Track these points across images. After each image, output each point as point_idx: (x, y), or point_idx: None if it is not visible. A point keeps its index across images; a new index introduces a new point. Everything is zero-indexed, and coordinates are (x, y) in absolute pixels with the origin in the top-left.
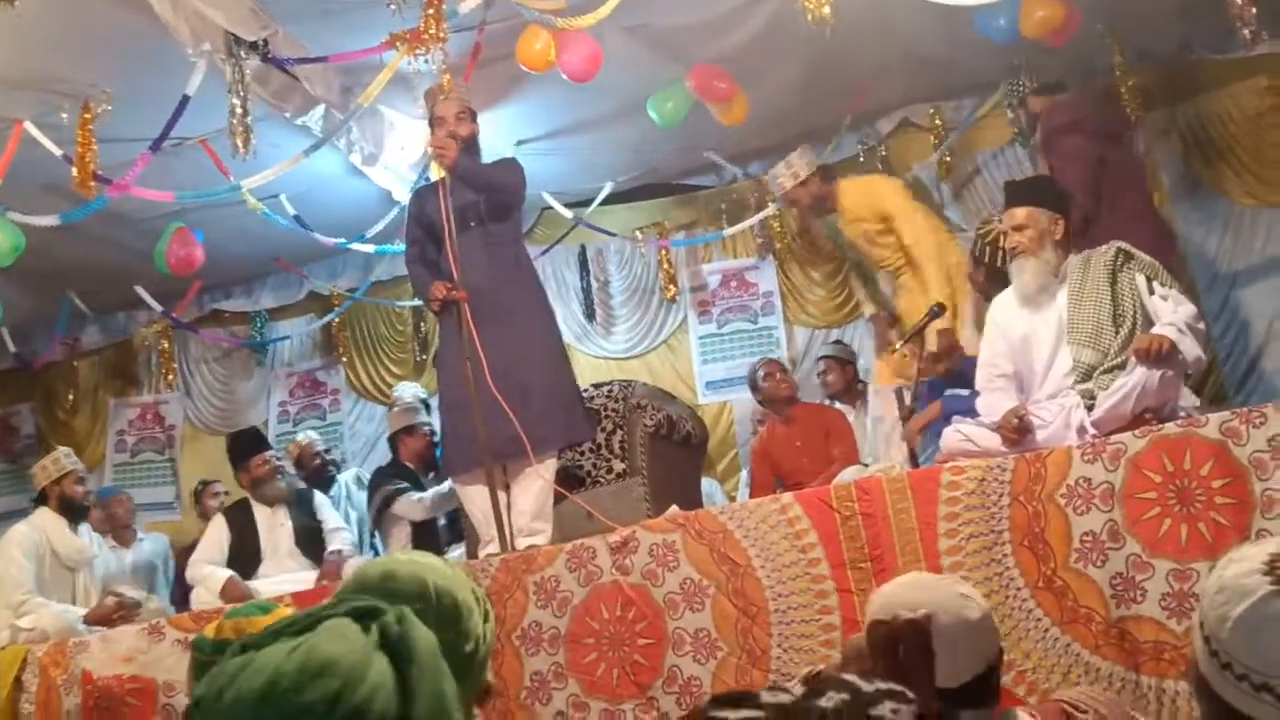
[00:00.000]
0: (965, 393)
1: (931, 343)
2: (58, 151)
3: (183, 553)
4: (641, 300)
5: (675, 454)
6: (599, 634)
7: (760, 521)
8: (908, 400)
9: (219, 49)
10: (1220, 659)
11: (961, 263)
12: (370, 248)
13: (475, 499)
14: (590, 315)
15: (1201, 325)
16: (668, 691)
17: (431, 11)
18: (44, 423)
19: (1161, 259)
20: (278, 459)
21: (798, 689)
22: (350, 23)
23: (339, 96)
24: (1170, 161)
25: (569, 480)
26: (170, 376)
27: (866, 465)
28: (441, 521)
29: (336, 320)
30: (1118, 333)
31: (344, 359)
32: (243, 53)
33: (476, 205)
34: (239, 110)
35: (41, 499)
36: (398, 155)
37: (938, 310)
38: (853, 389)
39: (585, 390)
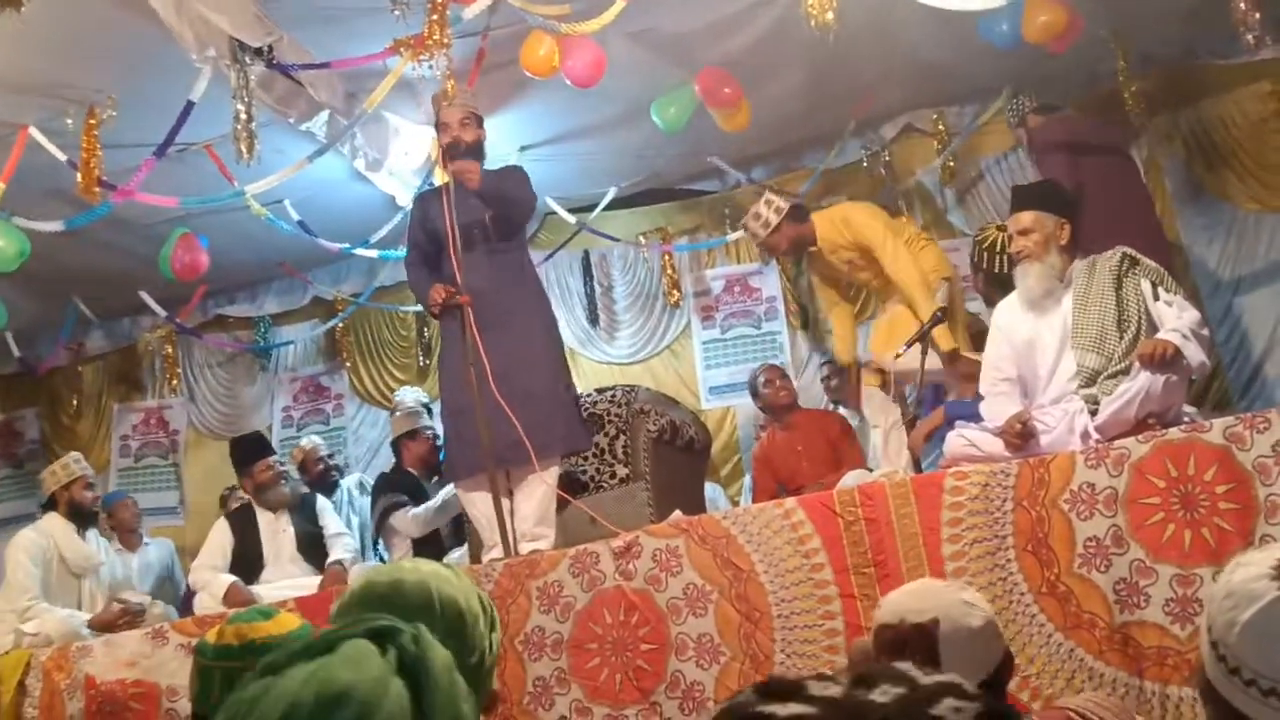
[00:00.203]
0: (968, 398)
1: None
2: (62, 157)
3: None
4: (645, 305)
5: (678, 459)
6: (602, 639)
7: (763, 527)
8: (910, 405)
9: (224, 55)
10: (1228, 664)
11: (940, 267)
12: (374, 253)
13: (478, 504)
14: (594, 320)
15: (1206, 331)
16: (670, 697)
17: (435, 17)
18: (48, 427)
19: None
20: (281, 464)
21: (844, 679)
22: (354, 29)
23: (343, 102)
24: (1173, 167)
25: (572, 485)
26: (174, 381)
27: (870, 470)
28: (445, 529)
29: (340, 325)
30: (1122, 338)
31: (348, 364)
32: (247, 58)
33: (483, 218)
34: (243, 116)
35: (51, 504)
36: (402, 160)
37: (939, 316)
38: (857, 393)
39: (589, 395)
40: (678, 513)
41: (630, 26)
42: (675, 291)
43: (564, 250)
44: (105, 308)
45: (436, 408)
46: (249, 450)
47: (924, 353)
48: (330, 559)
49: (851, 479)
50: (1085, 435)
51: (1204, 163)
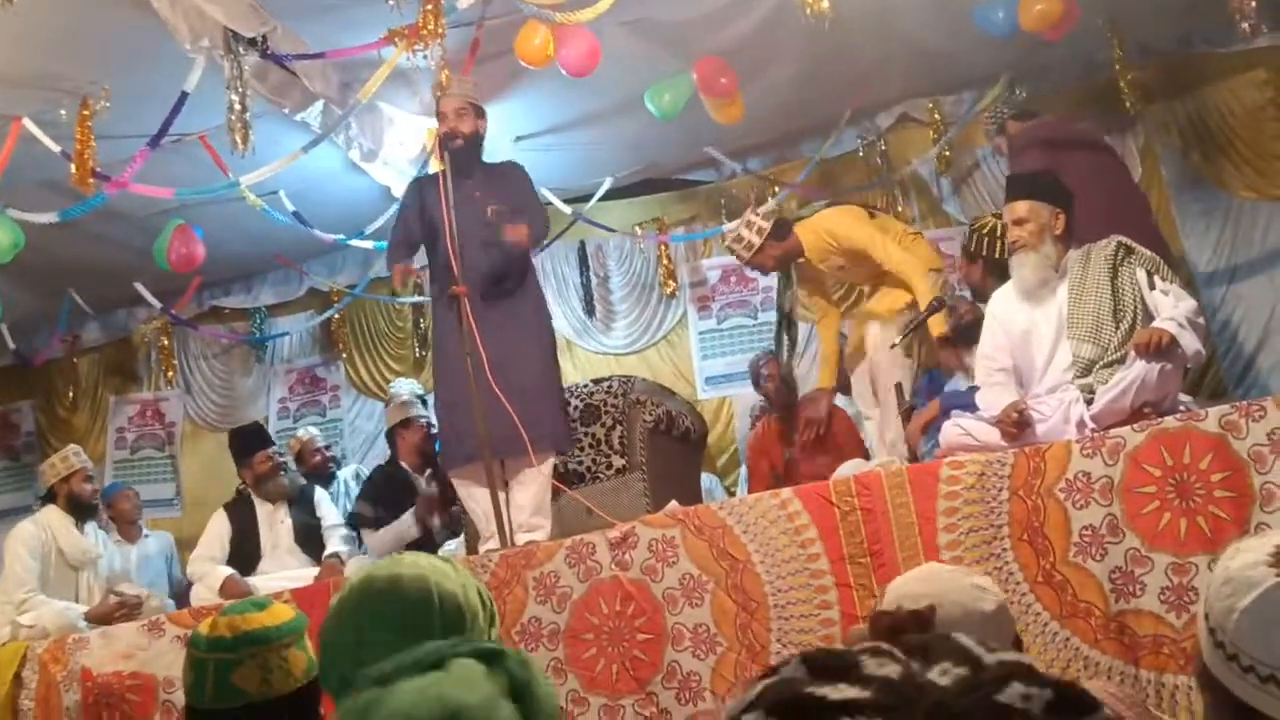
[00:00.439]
0: (963, 388)
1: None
2: (56, 148)
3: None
4: (641, 296)
5: (675, 449)
6: (598, 629)
7: (760, 517)
8: (906, 395)
9: (217, 45)
10: (1226, 650)
11: (930, 260)
12: (370, 244)
13: (475, 495)
14: (590, 311)
15: (1202, 320)
16: (667, 687)
17: (430, 7)
18: (44, 420)
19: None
20: (280, 455)
21: (901, 651)
22: (349, 19)
23: (338, 92)
24: (1170, 155)
25: (568, 476)
26: (170, 373)
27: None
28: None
29: (336, 316)
30: (1118, 328)
31: (344, 355)
32: (241, 49)
33: (484, 212)
34: (238, 106)
35: (50, 497)
36: (397, 151)
37: (937, 305)
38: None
39: (585, 385)
40: (674, 503)
41: (625, 16)
42: (671, 282)
43: (560, 241)
44: (100, 299)
45: (431, 399)
46: (248, 441)
47: (919, 343)
48: (327, 551)
49: (848, 469)
50: (1081, 424)
51: (1200, 151)
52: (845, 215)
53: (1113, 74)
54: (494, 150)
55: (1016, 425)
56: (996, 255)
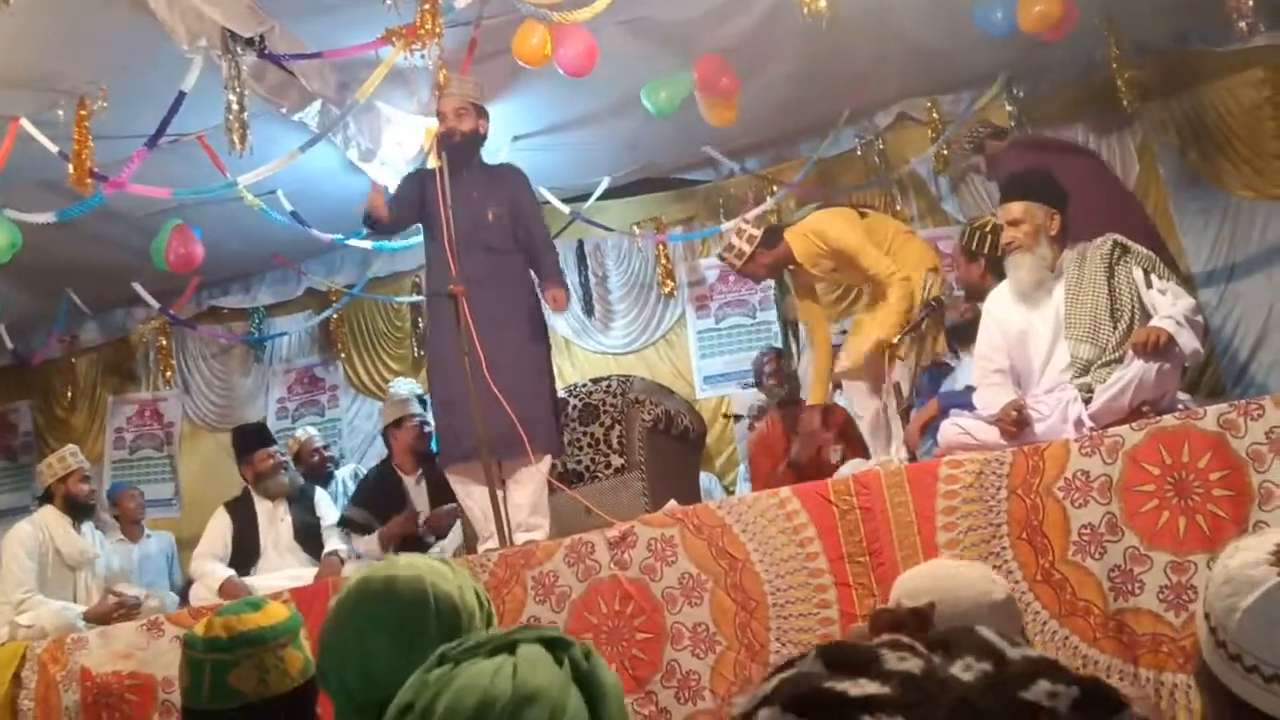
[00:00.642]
0: (960, 388)
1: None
2: (54, 148)
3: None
4: (640, 295)
5: (673, 449)
6: (597, 629)
7: (758, 516)
8: (905, 393)
9: (215, 45)
10: (1228, 650)
11: (924, 259)
12: (368, 244)
13: (473, 493)
14: (589, 310)
15: (1200, 318)
16: (666, 686)
17: (427, 7)
18: (42, 420)
19: None
20: (282, 454)
21: (922, 644)
22: (346, 18)
23: (335, 92)
24: (1167, 154)
25: (567, 475)
26: (168, 373)
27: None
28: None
29: (334, 316)
30: (1115, 327)
31: (342, 355)
32: (239, 49)
33: (486, 214)
34: (235, 106)
35: (47, 497)
36: (394, 150)
37: (934, 305)
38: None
39: (584, 385)
40: (673, 502)
41: (622, 15)
42: (669, 281)
43: (558, 240)
44: (98, 299)
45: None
46: (250, 439)
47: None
48: (326, 549)
49: (848, 469)
50: (1079, 423)
51: (1198, 150)
52: (834, 217)
53: (1110, 73)
54: (491, 149)
55: (1015, 424)
56: (998, 254)
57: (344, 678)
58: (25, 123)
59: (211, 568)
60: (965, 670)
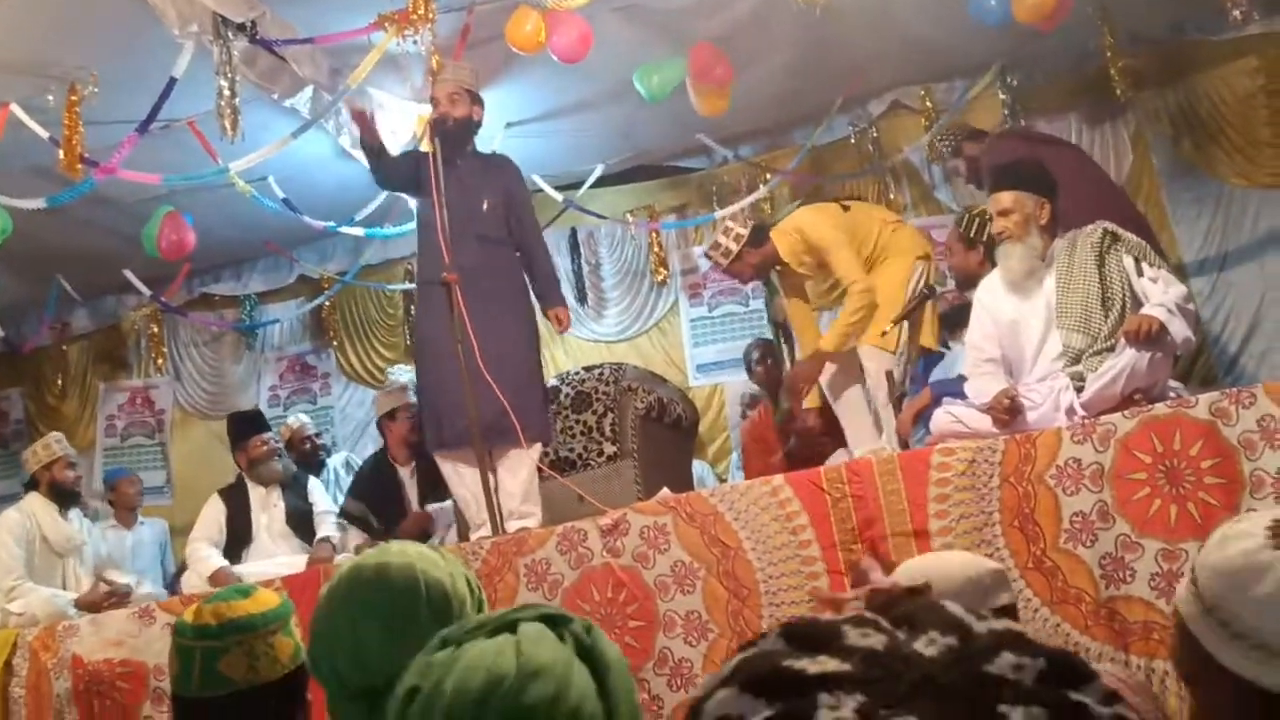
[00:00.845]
0: (953, 376)
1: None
2: (44, 134)
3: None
4: (633, 283)
5: (666, 437)
6: (590, 616)
7: (751, 504)
8: (897, 380)
9: (206, 31)
10: (1251, 641)
11: (915, 247)
12: (360, 231)
13: (464, 477)
14: (581, 298)
15: (1191, 306)
16: (659, 673)
17: None
18: (33, 407)
19: None
20: (276, 441)
21: (886, 620)
22: (338, 4)
23: (327, 78)
24: (1161, 143)
25: (559, 463)
26: (160, 360)
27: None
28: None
29: (326, 304)
30: (1107, 316)
31: (334, 343)
32: (230, 34)
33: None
34: (227, 92)
35: (32, 484)
36: (387, 137)
37: (927, 293)
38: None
39: (576, 373)
40: (665, 490)
41: (617, 1)
42: (662, 269)
43: (551, 228)
44: (89, 286)
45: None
46: (245, 425)
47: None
48: (319, 535)
49: (841, 457)
50: (1071, 412)
51: (1191, 139)
52: (814, 214)
53: (1104, 62)
54: (485, 136)
55: (1008, 412)
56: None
57: (336, 665)
58: (15, 108)
59: (206, 553)
60: (929, 645)
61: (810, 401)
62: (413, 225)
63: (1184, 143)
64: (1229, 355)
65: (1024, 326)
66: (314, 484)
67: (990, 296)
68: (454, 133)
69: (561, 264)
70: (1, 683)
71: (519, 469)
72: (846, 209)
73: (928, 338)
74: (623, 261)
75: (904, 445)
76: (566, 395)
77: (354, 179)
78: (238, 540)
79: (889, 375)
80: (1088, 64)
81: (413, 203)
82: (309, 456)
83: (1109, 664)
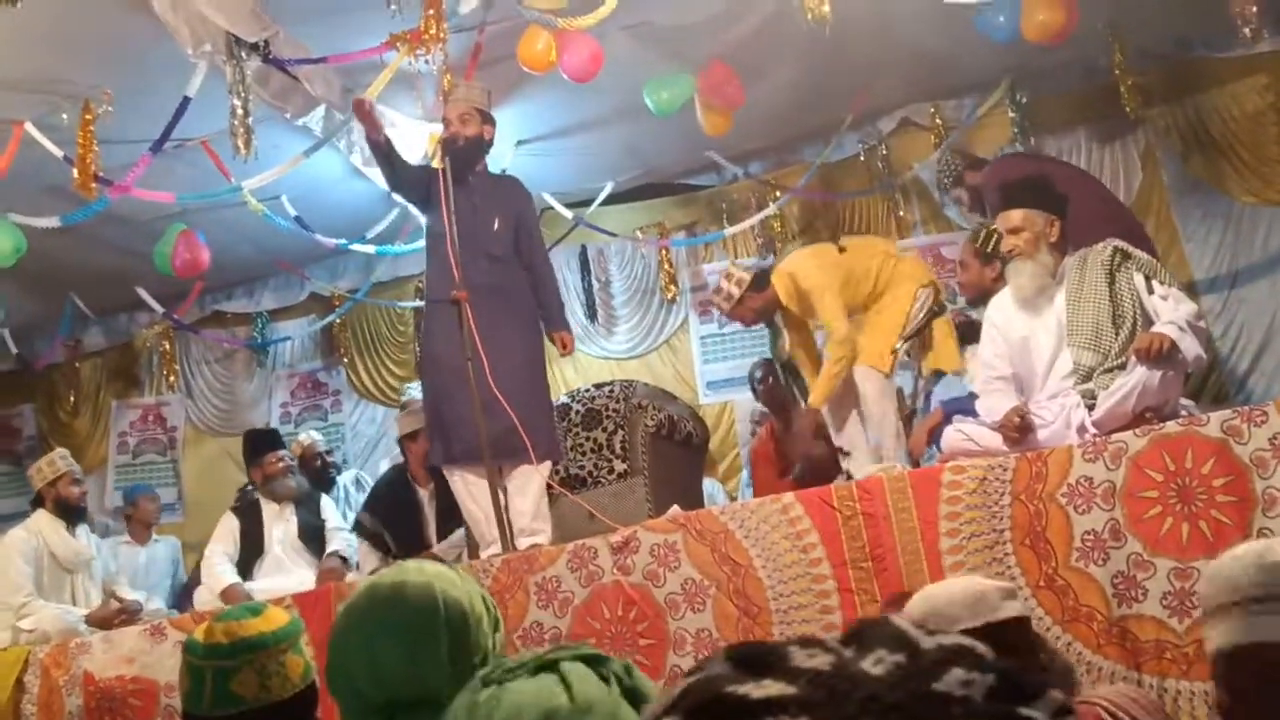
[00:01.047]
0: (964, 395)
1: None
2: (59, 153)
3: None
4: (643, 300)
5: (676, 454)
6: (600, 634)
7: (761, 521)
8: (908, 399)
9: (220, 50)
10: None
11: (917, 275)
12: (371, 249)
13: (474, 492)
14: (592, 316)
15: (1202, 324)
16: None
17: (432, 12)
18: (46, 424)
19: None
20: (291, 459)
21: (833, 643)
22: (351, 24)
23: (340, 97)
24: (1170, 160)
25: (570, 481)
26: (172, 378)
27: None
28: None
29: (338, 321)
30: (1118, 334)
31: (345, 360)
32: (243, 54)
33: (490, 221)
34: (240, 111)
35: (39, 501)
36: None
37: (937, 310)
38: None
39: (586, 390)
40: (676, 508)
41: (627, 20)
42: (673, 286)
43: (561, 245)
44: (102, 304)
45: None
46: (262, 442)
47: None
48: (329, 549)
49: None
50: (1082, 429)
51: (1201, 156)
52: (807, 258)
53: (1113, 78)
54: (495, 154)
55: (1019, 430)
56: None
57: (354, 681)
58: (30, 127)
59: (220, 568)
60: (876, 664)
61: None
62: (423, 243)
63: (1194, 160)
64: (1240, 373)
65: (1035, 344)
66: (326, 501)
67: (1001, 314)
68: (465, 152)
69: (572, 281)
70: (13, 700)
71: (528, 487)
72: (843, 250)
73: (944, 360)
74: (633, 279)
75: (915, 464)
76: (577, 412)
77: (365, 197)
78: (250, 555)
79: (899, 394)
80: (1097, 81)
81: (423, 219)
82: (320, 474)
83: (1121, 683)
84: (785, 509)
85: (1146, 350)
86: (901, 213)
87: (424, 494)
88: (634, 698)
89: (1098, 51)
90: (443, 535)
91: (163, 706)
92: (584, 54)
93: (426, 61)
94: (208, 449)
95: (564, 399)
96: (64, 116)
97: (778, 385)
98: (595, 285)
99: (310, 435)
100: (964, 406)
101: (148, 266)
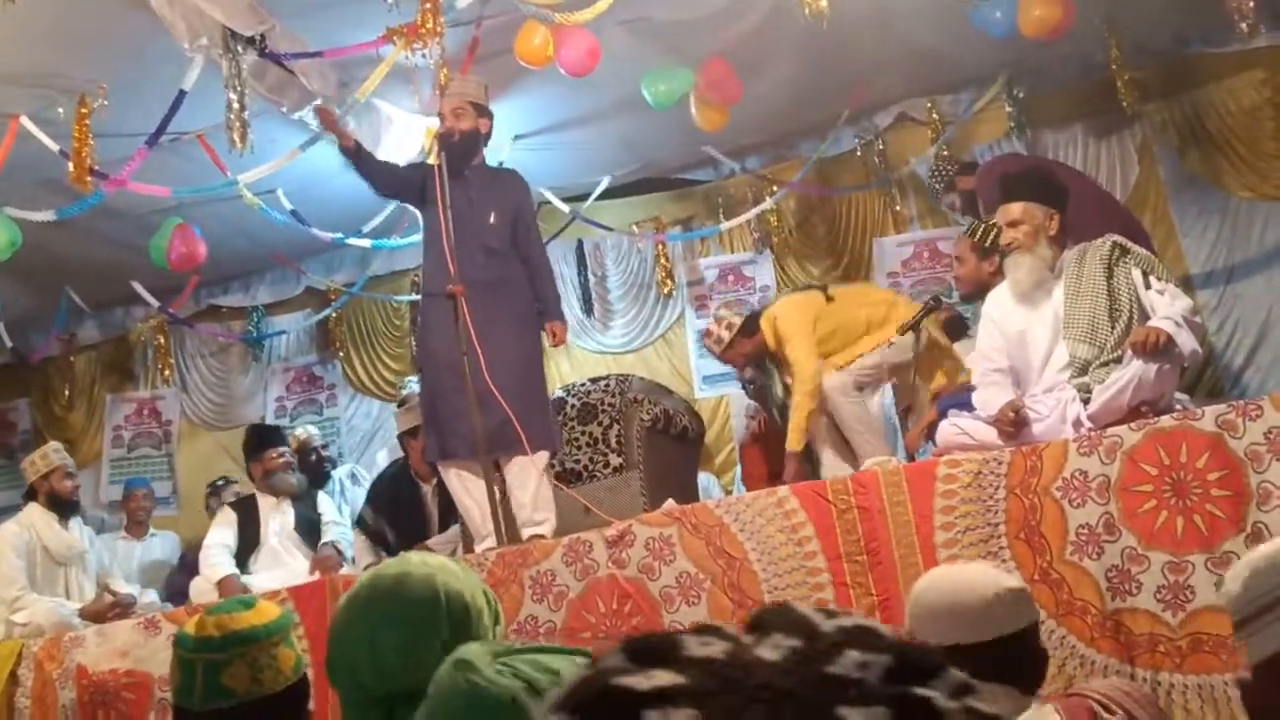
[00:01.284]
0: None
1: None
2: (54, 146)
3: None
4: (639, 295)
5: (672, 448)
6: (595, 628)
7: (756, 515)
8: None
9: (216, 44)
10: None
11: (893, 307)
12: (367, 242)
13: (470, 487)
14: (588, 310)
15: (1198, 319)
16: None
17: (429, 6)
18: (41, 418)
19: None
20: (292, 455)
21: (730, 630)
22: (347, 17)
23: (336, 91)
24: (1167, 155)
25: (565, 474)
26: (167, 372)
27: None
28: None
29: (333, 315)
30: (1114, 327)
31: (341, 354)
32: (239, 47)
33: (487, 215)
34: (236, 105)
35: (31, 495)
36: (395, 150)
37: (933, 304)
38: None
39: (582, 384)
40: (671, 501)
41: (624, 15)
42: (669, 281)
43: (557, 240)
44: (97, 297)
45: None
46: (263, 437)
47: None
48: (323, 540)
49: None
50: (1077, 423)
51: (1198, 151)
52: (792, 304)
53: (1110, 74)
54: (492, 149)
55: (1014, 424)
56: None
57: (355, 672)
58: (25, 121)
59: (217, 558)
60: (773, 650)
61: (792, 444)
62: (419, 237)
63: (1191, 155)
64: (1236, 367)
65: (1031, 337)
66: (322, 495)
67: (998, 308)
68: (460, 146)
69: (568, 275)
70: (7, 693)
71: (526, 478)
72: (831, 300)
73: (944, 379)
74: (629, 273)
75: (910, 457)
76: (572, 406)
77: (361, 191)
78: (247, 548)
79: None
80: (1094, 76)
81: (419, 215)
82: (315, 468)
83: (1114, 676)
84: (780, 503)
85: (1142, 344)
86: (898, 208)
87: (427, 490)
88: None
89: (1094, 47)
90: (445, 531)
91: (156, 700)
92: (581, 49)
93: (423, 56)
94: (202, 443)
95: (559, 393)
96: (59, 110)
97: (765, 386)
98: (591, 279)
99: (306, 429)
100: (959, 401)
101: (143, 260)
